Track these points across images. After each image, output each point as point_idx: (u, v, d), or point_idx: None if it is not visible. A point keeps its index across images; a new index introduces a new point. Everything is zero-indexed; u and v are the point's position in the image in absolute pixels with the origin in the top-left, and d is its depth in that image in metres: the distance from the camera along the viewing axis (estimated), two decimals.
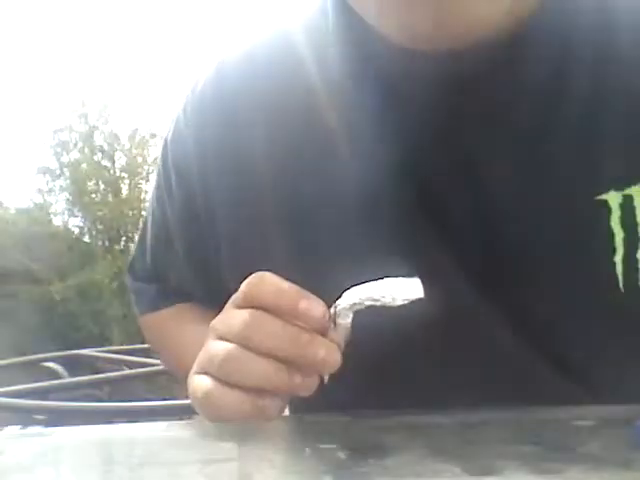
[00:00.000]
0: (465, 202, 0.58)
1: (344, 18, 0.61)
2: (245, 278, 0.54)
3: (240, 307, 0.53)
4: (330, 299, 0.52)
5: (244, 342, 0.51)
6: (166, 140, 0.75)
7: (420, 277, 0.50)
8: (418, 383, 0.60)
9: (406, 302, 0.49)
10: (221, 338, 0.52)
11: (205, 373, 0.53)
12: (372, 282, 0.50)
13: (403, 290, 0.49)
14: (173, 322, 0.80)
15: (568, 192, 0.57)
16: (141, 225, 0.87)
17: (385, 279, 0.50)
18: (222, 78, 0.69)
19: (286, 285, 0.51)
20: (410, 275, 0.51)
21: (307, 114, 0.63)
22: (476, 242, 0.58)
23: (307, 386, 0.51)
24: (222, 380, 0.52)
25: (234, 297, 0.54)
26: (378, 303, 0.50)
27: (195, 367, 0.55)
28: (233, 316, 0.52)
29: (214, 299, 0.64)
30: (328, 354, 0.50)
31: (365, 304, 0.50)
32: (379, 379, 0.61)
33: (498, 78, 0.56)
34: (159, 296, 0.82)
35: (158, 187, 0.77)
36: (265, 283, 0.51)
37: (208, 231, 0.70)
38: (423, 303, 0.49)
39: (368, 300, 0.50)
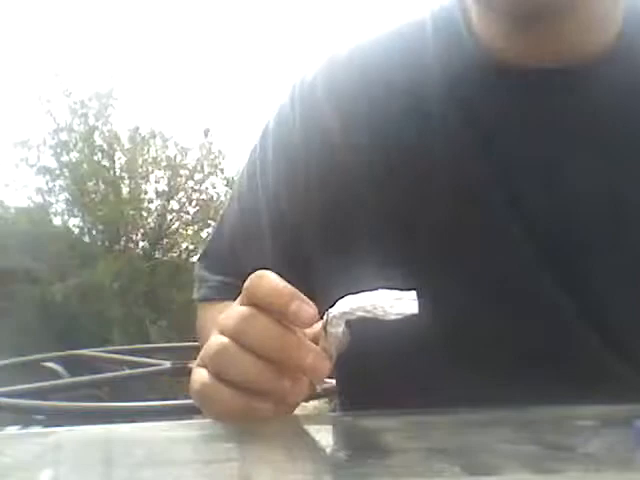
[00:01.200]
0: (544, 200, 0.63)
1: (445, 28, 0.68)
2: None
3: (241, 304, 0.53)
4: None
5: (236, 337, 0.51)
6: (267, 130, 0.78)
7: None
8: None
9: (399, 317, 0.48)
10: (221, 333, 0.53)
11: (204, 366, 0.54)
12: (367, 292, 0.50)
13: (397, 304, 0.48)
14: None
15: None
16: (220, 217, 0.87)
17: (381, 290, 0.49)
18: (334, 71, 0.72)
19: (282, 285, 0.51)
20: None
21: (407, 113, 0.67)
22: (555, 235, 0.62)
23: (296, 392, 0.51)
24: (216, 374, 0.52)
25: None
26: (369, 315, 0.48)
27: (197, 360, 0.56)
28: (232, 311, 0.53)
29: None
30: (316, 361, 0.50)
31: (356, 314, 0.49)
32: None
33: (579, 97, 0.63)
34: (219, 288, 0.82)
35: (250, 176, 0.79)
36: (262, 281, 0.52)
37: (301, 218, 0.72)
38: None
39: (360, 310, 0.49)
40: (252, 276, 0.52)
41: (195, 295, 0.87)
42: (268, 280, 0.52)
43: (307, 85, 0.74)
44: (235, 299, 0.77)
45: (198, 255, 0.90)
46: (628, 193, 0.62)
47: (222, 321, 0.54)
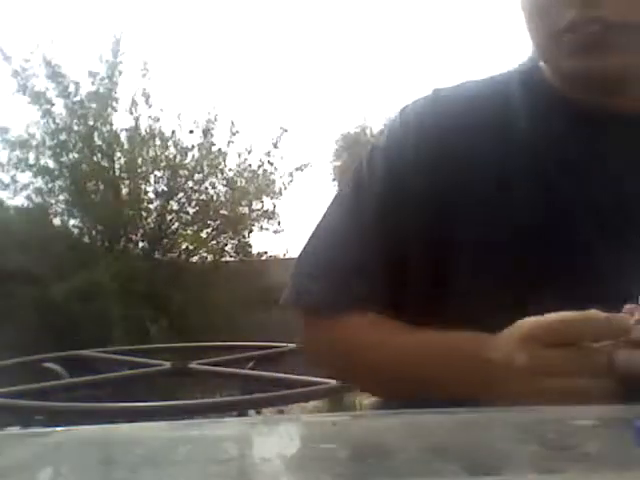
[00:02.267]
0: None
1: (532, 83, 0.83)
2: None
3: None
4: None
5: None
6: (376, 148, 0.87)
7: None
8: None
9: None
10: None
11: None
12: None
13: None
14: (386, 330, 0.81)
15: None
16: (317, 226, 0.89)
17: None
18: (441, 106, 0.85)
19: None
20: None
21: (501, 150, 0.80)
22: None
23: None
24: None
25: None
26: None
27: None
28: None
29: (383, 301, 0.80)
30: None
31: None
32: None
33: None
34: (338, 297, 0.83)
35: (359, 193, 0.85)
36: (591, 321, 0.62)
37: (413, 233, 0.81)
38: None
39: None
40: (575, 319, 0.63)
41: (303, 302, 0.86)
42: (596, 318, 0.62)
43: (418, 113, 0.85)
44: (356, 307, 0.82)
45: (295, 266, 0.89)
46: None
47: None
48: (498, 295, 0.75)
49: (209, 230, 7.86)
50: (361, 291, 0.82)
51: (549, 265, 0.77)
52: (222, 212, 7.77)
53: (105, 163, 7.53)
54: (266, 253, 7.96)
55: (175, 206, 7.82)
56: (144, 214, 7.66)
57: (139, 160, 7.59)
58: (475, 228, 0.78)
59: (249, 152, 7.87)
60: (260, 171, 7.88)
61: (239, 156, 7.86)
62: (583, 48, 0.72)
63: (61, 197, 7.65)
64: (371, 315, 0.81)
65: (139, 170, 7.60)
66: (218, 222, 7.80)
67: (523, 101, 0.82)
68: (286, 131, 7.90)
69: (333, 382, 2.81)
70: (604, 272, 0.75)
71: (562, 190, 0.78)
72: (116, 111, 7.54)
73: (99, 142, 7.50)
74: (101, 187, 7.51)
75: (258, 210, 7.90)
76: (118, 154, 7.59)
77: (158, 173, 7.72)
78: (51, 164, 7.47)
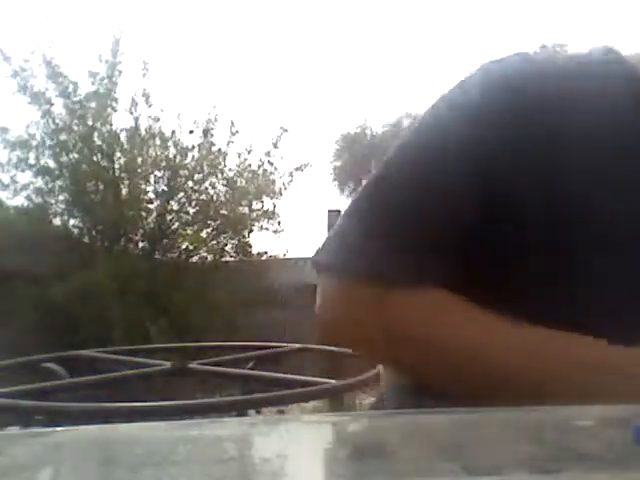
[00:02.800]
0: None
1: None
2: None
3: None
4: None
5: None
6: (457, 105, 0.77)
7: None
8: None
9: None
10: None
11: None
12: None
13: None
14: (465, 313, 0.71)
15: None
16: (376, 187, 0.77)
17: None
18: (544, 72, 0.78)
19: None
20: None
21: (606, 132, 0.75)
22: None
23: None
24: None
25: None
26: None
27: None
28: None
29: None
30: None
31: None
32: None
33: None
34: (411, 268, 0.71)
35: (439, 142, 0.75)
36: None
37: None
38: None
39: None
40: None
41: (356, 263, 0.72)
42: None
43: (517, 75, 0.77)
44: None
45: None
46: None
47: None
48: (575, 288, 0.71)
49: (209, 230, 7.85)
50: (434, 263, 0.71)
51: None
52: (222, 212, 7.77)
53: (105, 163, 7.52)
54: (266, 253, 7.97)
55: (175, 206, 7.82)
56: (144, 214, 7.66)
57: (139, 160, 7.59)
58: (578, 211, 0.73)
59: (249, 152, 7.88)
60: (260, 171, 7.88)
61: (239, 156, 7.87)
62: None
63: (61, 197, 7.65)
64: (446, 293, 0.70)
65: (139, 170, 7.60)
66: (218, 222, 7.80)
67: (630, 104, 0.77)
68: (286, 131, 7.90)
69: (333, 382, 2.81)
70: None
71: None
72: (116, 111, 7.54)
73: (99, 142, 7.50)
74: (101, 187, 7.51)
75: (258, 210, 7.90)
76: (118, 154, 7.59)
77: (158, 173, 7.72)
78: (51, 164, 7.47)
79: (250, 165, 7.89)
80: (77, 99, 7.42)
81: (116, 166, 7.58)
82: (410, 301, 0.70)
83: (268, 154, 7.86)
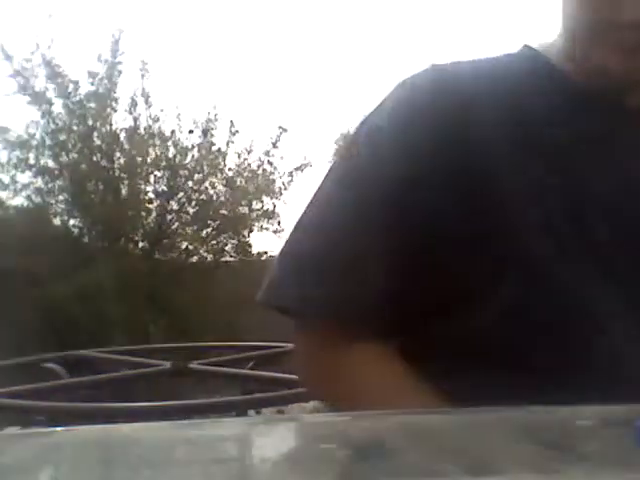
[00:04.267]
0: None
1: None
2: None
3: None
4: None
5: None
6: (376, 127, 0.79)
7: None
8: None
9: None
10: None
11: None
12: None
13: None
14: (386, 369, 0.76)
15: None
16: (310, 216, 0.79)
17: None
18: (445, 80, 0.78)
19: None
20: None
21: (509, 129, 0.75)
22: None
23: None
24: None
25: None
26: None
27: None
28: None
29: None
30: None
31: None
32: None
33: None
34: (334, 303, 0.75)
35: (356, 182, 0.77)
36: None
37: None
38: None
39: None
40: None
41: (298, 311, 0.78)
42: None
43: (424, 90, 0.78)
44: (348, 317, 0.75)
45: (278, 256, 0.80)
46: None
47: None
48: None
49: (209, 230, 7.85)
50: (371, 314, 0.74)
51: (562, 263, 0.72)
52: (222, 212, 7.77)
53: (105, 163, 7.52)
54: (266, 253, 7.96)
55: (175, 206, 7.82)
56: (144, 214, 7.66)
57: (139, 160, 7.59)
58: (488, 217, 0.73)
59: (249, 152, 7.87)
60: (260, 171, 7.88)
61: (239, 156, 7.87)
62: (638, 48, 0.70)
63: (61, 197, 7.65)
64: (378, 347, 0.76)
65: (139, 170, 7.60)
66: (218, 222, 7.79)
67: (534, 87, 0.78)
68: (286, 131, 7.90)
69: None
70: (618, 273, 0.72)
71: (574, 176, 0.74)
72: (115, 111, 7.54)
73: (99, 142, 7.50)
74: (101, 187, 7.51)
75: (258, 210, 7.90)
76: (118, 154, 7.59)
77: (158, 173, 7.72)
78: (51, 164, 7.46)
79: (250, 165, 7.89)
80: (77, 99, 7.42)
81: (116, 166, 7.58)
82: (350, 353, 0.76)
83: (268, 154, 7.86)
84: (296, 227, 0.80)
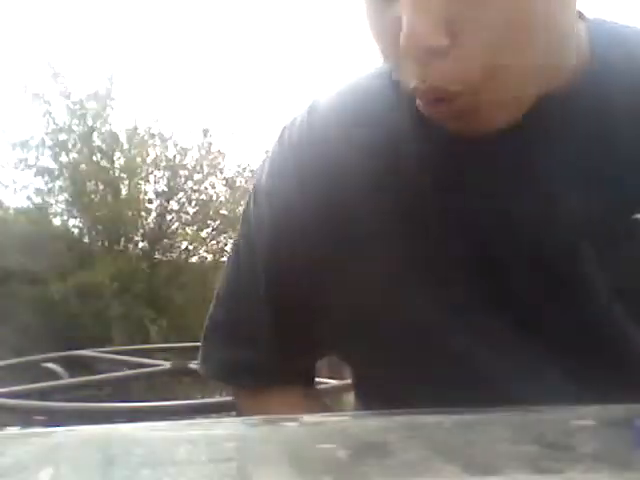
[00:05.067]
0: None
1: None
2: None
3: None
4: None
5: None
6: (255, 189, 0.78)
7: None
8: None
9: None
10: None
11: None
12: None
13: None
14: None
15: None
16: (222, 281, 0.83)
17: None
18: (313, 120, 0.74)
19: None
20: None
21: (371, 168, 0.69)
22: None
23: None
24: None
25: None
26: None
27: None
28: None
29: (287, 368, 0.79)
30: None
31: None
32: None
33: (527, 148, 0.64)
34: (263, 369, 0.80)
35: (246, 243, 0.78)
36: None
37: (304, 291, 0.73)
38: None
39: None
40: None
41: (232, 378, 0.86)
42: None
43: (295, 133, 0.75)
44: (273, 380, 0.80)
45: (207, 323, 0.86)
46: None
47: None
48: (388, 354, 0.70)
49: (209, 230, 7.86)
50: (269, 364, 0.78)
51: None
52: (222, 212, 7.77)
53: (105, 163, 7.53)
54: None
55: (175, 206, 7.83)
56: (144, 214, 7.67)
57: (138, 160, 7.59)
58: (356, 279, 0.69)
59: (249, 152, 7.88)
60: None
61: (239, 156, 7.88)
62: (432, 112, 0.61)
63: (61, 197, 7.66)
64: (287, 392, 0.81)
65: (139, 170, 7.60)
66: (218, 222, 7.80)
67: (392, 117, 0.69)
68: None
69: (333, 382, 2.81)
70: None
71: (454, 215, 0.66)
72: (115, 111, 7.55)
73: (99, 142, 7.51)
74: (101, 187, 7.52)
75: None
76: (118, 154, 7.60)
77: (158, 173, 7.73)
78: (51, 164, 7.47)
79: (250, 165, 7.90)
80: (77, 99, 7.42)
81: (116, 166, 7.58)
82: (260, 400, 0.82)
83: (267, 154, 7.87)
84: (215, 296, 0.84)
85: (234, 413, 2.72)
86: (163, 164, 7.69)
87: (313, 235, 0.71)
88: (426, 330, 0.67)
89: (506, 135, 0.61)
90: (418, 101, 0.61)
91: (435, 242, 0.67)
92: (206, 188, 7.80)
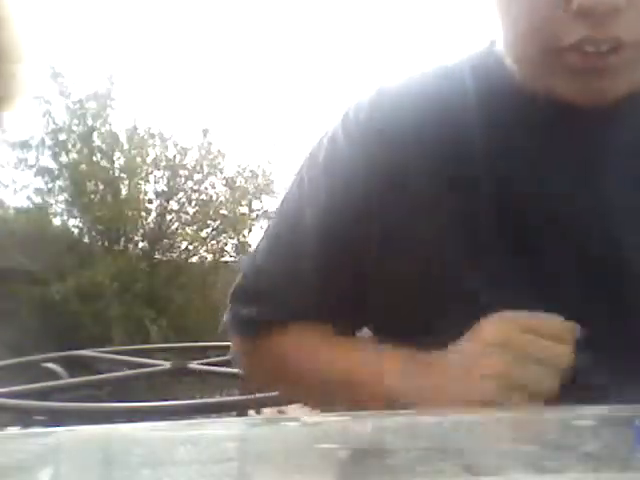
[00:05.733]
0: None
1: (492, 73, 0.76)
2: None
3: None
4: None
5: None
6: (315, 161, 0.81)
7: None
8: None
9: None
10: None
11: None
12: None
13: None
14: (308, 339, 0.81)
15: None
16: (255, 247, 0.86)
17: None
18: (385, 104, 0.78)
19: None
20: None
21: (454, 147, 0.74)
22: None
23: None
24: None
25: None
26: None
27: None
28: None
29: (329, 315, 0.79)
30: None
31: None
32: None
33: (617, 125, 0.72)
34: (265, 314, 0.82)
35: (299, 207, 0.81)
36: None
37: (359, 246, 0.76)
38: None
39: None
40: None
41: (239, 329, 0.86)
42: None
43: (363, 117, 0.78)
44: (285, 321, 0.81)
45: (231, 292, 0.87)
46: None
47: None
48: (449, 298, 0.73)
49: (209, 230, 7.85)
50: (298, 306, 0.80)
51: (502, 265, 0.72)
52: (222, 212, 7.77)
53: (104, 163, 7.52)
54: None
55: (175, 206, 7.82)
56: (144, 214, 7.66)
57: (138, 160, 7.59)
58: (425, 234, 0.74)
59: (248, 152, 7.88)
60: (260, 171, 7.88)
61: (239, 156, 7.87)
62: (585, 68, 0.67)
63: (61, 197, 7.65)
64: (302, 327, 0.80)
65: (138, 170, 7.60)
66: (218, 222, 7.79)
67: (481, 99, 0.76)
68: (285, 131, 7.91)
69: None
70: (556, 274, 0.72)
71: (516, 189, 0.73)
72: (115, 111, 7.55)
73: (98, 142, 7.50)
74: (101, 187, 7.51)
75: (258, 210, 7.90)
76: (117, 154, 7.59)
77: (158, 173, 7.72)
78: (51, 164, 7.46)
79: (249, 165, 7.90)
80: (77, 99, 7.42)
81: (116, 166, 7.57)
82: (275, 340, 0.82)
83: (267, 154, 7.87)
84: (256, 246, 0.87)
85: (234, 413, 2.72)
86: (163, 164, 7.68)
87: (376, 197, 0.75)
88: (465, 294, 0.71)
89: (609, 112, 0.70)
90: (569, 57, 0.67)
91: (496, 211, 0.72)
92: (206, 188, 7.79)
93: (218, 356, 3.75)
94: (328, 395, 0.78)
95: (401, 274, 0.75)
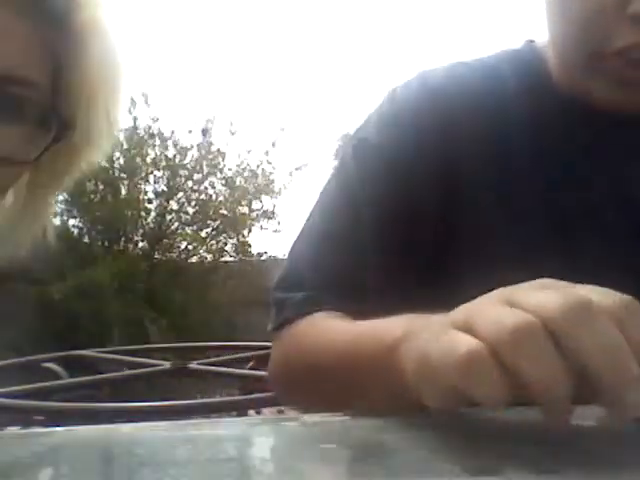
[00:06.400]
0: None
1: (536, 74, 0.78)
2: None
3: None
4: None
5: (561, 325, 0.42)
6: (366, 143, 0.80)
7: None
8: None
9: None
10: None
11: (483, 339, 0.43)
12: None
13: None
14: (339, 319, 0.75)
15: None
16: (297, 235, 0.85)
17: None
18: (432, 89, 0.79)
19: None
20: None
21: (495, 141, 0.76)
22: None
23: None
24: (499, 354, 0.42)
25: None
26: None
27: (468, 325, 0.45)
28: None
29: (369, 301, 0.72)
30: None
31: None
32: None
33: None
34: (304, 303, 0.78)
35: (345, 195, 0.80)
36: None
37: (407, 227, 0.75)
38: None
39: None
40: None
41: (282, 316, 0.83)
42: None
43: (412, 102, 0.79)
44: (328, 305, 0.77)
45: (275, 283, 0.86)
46: None
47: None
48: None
49: (209, 230, 7.86)
50: (335, 297, 0.76)
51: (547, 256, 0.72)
52: (222, 212, 7.77)
53: (104, 163, 7.52)
54: (266, 253, 7.97)
55: (175, 206, 7.83)
56: (143, 214, 7.67)
57: (138, 160, 7.59)
58: (480, 216, 0.75)
59: (248, 152, 7.88)
60: (259, 171, 7.89)
61: (238, 156, 7.87)
62: (626, 76, 0.69)
63: (61, 197, 7.65)
64: (327, 314, 0.76)
65: (138, 170, 7.60)
66: (218, 222, 7.80)
67: (520, 94, 0.78)
68: (285, 131, 7.91)
69: None
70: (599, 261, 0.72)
71: (563, 180, 0.75)
72: None
73: None
74: (100, 187, 7.51)
75: (258, 210, 7.91)
76: (117, 154, 7.59)
77: (157, 173, 7.73)
78: None
79: (249, 165, 7.90)
80: None
81: (115, 166, 7.58)
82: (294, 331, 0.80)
83: (267, 154, 7.87)
84: (298, 237, 0.85)
85: (234, 413, 2.72)
86: (163, 164, 7.69)
87: (425, 181, 0.76)
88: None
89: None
90: (613, 62, 0.68)
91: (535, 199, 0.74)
92: (206, 188, 7.80)
93: (218, 356, 3.75)
94: (342, 376, 0.67)
95: (469, 258, 0.75)
